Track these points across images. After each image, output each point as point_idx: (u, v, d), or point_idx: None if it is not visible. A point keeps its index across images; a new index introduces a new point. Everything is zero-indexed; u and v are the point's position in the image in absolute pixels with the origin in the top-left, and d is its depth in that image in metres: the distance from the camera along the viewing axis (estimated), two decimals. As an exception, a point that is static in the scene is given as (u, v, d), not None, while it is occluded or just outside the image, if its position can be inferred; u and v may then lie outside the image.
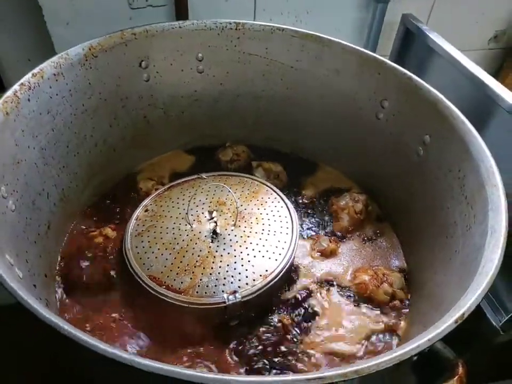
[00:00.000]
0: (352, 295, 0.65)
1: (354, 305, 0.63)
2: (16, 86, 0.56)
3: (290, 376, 0.31)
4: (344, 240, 0.73)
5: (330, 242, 0.71)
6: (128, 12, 0.87)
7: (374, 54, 0.72)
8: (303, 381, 0.30)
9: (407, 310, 0.63)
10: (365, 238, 0.74)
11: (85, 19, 0.85)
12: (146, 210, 0.68)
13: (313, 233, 0.73)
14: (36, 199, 0.60)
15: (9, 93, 0.55)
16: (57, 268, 0.65)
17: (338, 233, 0.74)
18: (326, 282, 0.66)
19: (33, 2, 0.82)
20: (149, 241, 0.63)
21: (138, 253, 0.62)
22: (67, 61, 0.63)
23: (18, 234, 0.54)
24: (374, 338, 0.60)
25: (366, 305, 0.64)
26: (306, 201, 0.79)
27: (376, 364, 0.33)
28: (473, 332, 0.68)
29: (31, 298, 0.36)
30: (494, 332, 0.66)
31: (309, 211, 0.77)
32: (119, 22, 0.86)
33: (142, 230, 0.65)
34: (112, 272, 0.64)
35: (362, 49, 0.73)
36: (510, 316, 0.64)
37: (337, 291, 0.65)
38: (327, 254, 0.69)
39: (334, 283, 0.66)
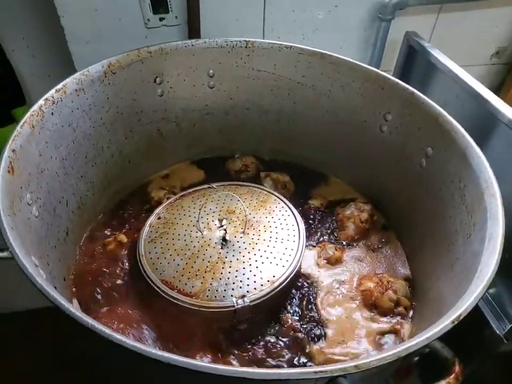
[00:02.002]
0: (357, 301, 0.66)
1: (359, 312, 0.65)
2: (41, 101, 0.60)
3: (295, 369, 0.33)
4: (350, 248, 0.75)
5: (336, 250, 0.72)
6: (144, 31, 0.91)
7: (377, 70, 0.74)
8: (307, 374, 0.32)
9: (411, 317, 0.64)
10: (370, 247, 0.75)
11: (104, 38, 0.89)
12: (159, 218, 0.71)
13: (320, 241, 0.75)
14: (57, 206, 0.63)
15: (35, 107, 0.59)
16: (74, 273, 0.67)
17: (344, 241, 0.75)
18: (332, 289, 0.68)
19: (55, 24, 0.86)
20: (161, 247, 0.65)
21: (151, 258, 0.64)
22: (88, 77, 0.67)
23: (41, 239, 0.57)
24: (379, 344, 0.61)
25: (371, 311, 0.65)
26: (313, 210, 0.80)
27: (376, 359, 0.35)
28: (476, 340, 0.68)
29: (59, 296, 0.39)
30: (498, 340, 0.66)
31: (315, 220, 0.79)
32: (136, 40, 0.90)
33: (155, 237, 0.67)
34: (126, 277, 0.67)
35: (366, 66, 0.75)
36: (513, 324, 0.65)
37: (343, 297, 0.67)
38: (333, 262, 0.71)
39: (339, 290, 0.68)
